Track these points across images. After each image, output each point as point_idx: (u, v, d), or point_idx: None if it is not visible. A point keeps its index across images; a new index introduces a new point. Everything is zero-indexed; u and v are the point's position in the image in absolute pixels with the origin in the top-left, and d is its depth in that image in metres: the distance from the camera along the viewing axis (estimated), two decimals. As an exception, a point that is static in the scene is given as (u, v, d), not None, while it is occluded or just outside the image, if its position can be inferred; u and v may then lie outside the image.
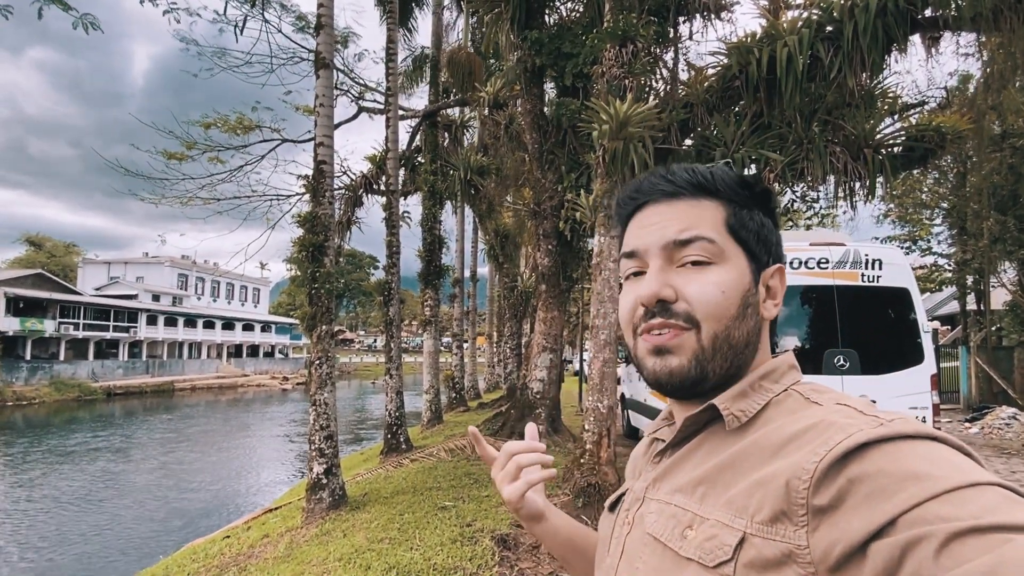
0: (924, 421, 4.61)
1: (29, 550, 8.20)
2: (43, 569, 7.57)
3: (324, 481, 5.59)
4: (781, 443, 0.51)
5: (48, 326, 31.70)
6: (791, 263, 4.78)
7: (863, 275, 4.78)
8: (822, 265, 4.79)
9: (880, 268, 4.77)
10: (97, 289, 40.97)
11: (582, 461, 5.08)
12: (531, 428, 0.79)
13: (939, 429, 0.50)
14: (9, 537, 8.74)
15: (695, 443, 0.60)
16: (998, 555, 0.36)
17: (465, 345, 17.73)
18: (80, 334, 33.81)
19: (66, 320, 33.26)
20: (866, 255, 4.80)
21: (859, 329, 4.72)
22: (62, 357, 33.05)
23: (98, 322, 35.42)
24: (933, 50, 6.03)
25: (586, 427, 5.26)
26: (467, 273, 18.60)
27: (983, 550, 0.36)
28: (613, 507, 0.71)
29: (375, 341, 72.78)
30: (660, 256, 0.61)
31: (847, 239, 5.12)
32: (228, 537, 5.95)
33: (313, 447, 5.65)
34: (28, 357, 30.99)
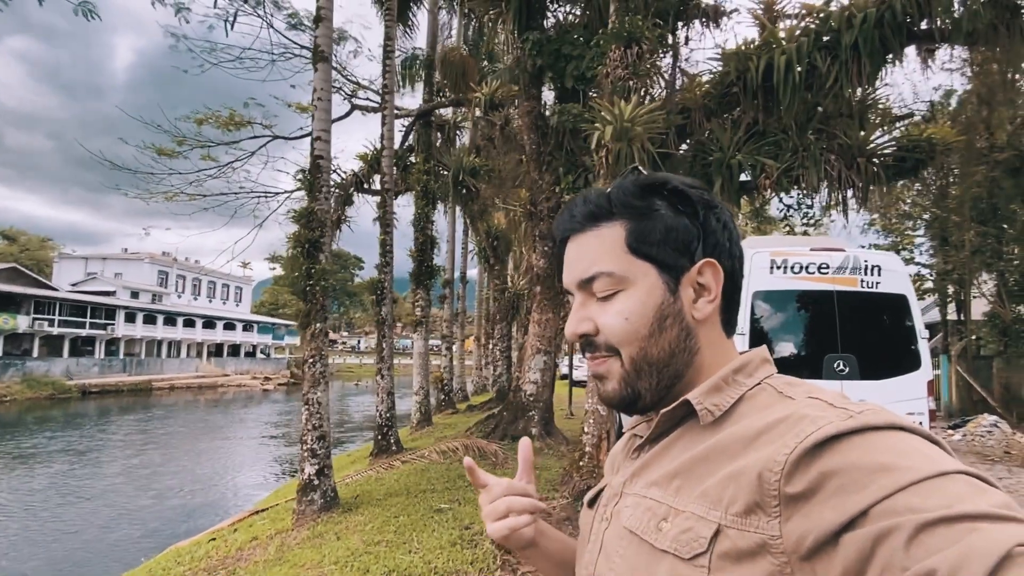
0: (920, 425, 4.66)
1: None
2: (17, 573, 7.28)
3: (316, 482, 5.46)
4: (754, 436, 0.52)
5: (21, 322, 30.74)
6: (792, 268, 4.80)
7: (862, 281, 4.80)
8: (822, 270, 4.81)
9: (879, 274, 4.81)
10: (73, 285, 39.89)
11: (581, 464, 5.03)
12: (525, 443, 0.77)
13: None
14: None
15: (672, 438, 0.61)
16: (965, 544, 0.37)
17: (454, 347, 17.61)
18: (55, 331, 32.87)
19: (40, 316, 32.30)
20: (865, 261, 4.83)
21: (858, 334, 4.75)
22: (35, 354, 32.09)
23: (74, 319, 34.46)
24: (928, 61, 6.12)
25: (586, 429, 5.21)
26: (457, 275, 18.50)
27: (951, 540, 0.37)
28: (592, 503, 0.71)
29: (359, 343, 72.09)
30: (578, 293, 0.64)
31: (847, 245, 5.16)
32: (214, 540, 5.78)
33: (305, 447, 5.52)
34: (0, 354, 30.05)
